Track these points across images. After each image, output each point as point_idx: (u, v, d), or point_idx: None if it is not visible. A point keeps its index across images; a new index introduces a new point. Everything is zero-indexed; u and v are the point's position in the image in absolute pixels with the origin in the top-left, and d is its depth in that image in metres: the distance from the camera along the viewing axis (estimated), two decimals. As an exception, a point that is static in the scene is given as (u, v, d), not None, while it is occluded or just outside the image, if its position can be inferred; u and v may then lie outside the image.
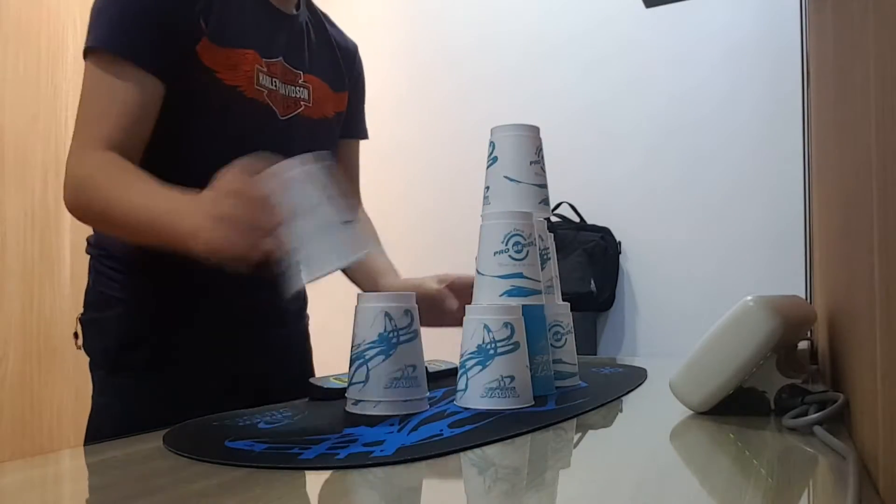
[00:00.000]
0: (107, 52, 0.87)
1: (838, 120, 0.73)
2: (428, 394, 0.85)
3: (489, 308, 0.79)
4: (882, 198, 0.44)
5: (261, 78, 0.95)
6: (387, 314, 0.75)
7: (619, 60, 2.62)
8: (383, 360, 0.74)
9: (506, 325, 0.78)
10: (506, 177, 0.92)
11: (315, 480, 0.53)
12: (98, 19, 0.88)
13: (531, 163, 0.92)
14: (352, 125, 1.18)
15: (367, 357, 0.75)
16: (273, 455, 0.58)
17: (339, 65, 1.13)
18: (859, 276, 0.57)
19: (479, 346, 0.77)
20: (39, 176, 2.36)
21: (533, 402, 0.79)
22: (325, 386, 0.88)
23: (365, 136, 1.23)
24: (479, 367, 0.77)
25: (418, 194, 3.02)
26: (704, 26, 2.49)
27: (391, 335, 0.75)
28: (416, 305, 0.78)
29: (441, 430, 0.66)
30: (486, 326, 0.78)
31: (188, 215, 0.74)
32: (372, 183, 3.21)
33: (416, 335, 0.77)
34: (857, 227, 0.58)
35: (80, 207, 0.88)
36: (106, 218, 0.87)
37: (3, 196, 2.27)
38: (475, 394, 0.77)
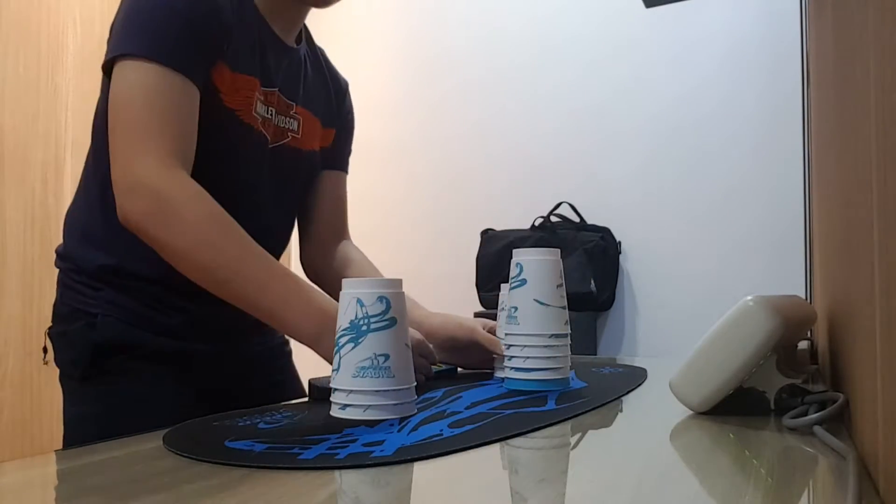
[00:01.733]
0: (154, 61, 0.84)
1: (838, 120, 0.73)
2: (427, 393, 0.85)
3: (363, 282, 0.73)
4: (882, 198, 0.44)
5: (258, 106, 0.97)
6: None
7: (619, 60, 2.62)
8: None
9: (380, 299, 0.71)
10: (535, 300, 0.91)
11: (315, 480, 0.53)
12: (135, 27, 0.86)
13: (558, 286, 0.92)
14: (338, 158, 1.18)
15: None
16: (273, 455, 0.58)
17: (331, 101, 1.14)
18: (859, 276, 0.57)
19: (351, 322, 0.71)
20: (39, 176, 2.36)
21: (413, 384, 0.74)
22: (325, 385, 0.88)
23: (346, 172, 1.21)
24: (352, 345, 0.71)
25: (418, 194, 3.02)
26: (704, 26, 2.49)
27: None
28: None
29: (441, 430, 0.66)
30: (358, 301, 0.71)
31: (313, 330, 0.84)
32: (372, 183, 3.23)
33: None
34: (857, 227, 0.58)
35: (156, 228, 0.82)
36: (212, 272, 0.83)
37: (3, 196, 2.27)
38: (347, 373, 0.71)
